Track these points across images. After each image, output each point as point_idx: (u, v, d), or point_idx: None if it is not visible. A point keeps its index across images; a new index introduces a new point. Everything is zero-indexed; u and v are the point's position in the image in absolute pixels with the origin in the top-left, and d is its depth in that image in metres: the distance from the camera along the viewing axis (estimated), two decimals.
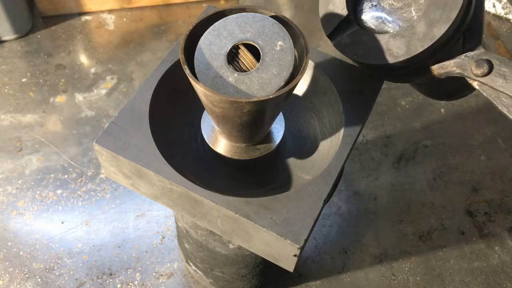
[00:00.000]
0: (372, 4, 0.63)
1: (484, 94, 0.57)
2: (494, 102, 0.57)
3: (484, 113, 1.28)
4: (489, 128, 1.26)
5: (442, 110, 1.29)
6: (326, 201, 0.59)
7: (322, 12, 0.65)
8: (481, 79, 0.57)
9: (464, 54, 0.58)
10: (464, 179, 1.16)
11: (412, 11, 0.59)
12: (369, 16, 0.63)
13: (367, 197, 1.12)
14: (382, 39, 0.60)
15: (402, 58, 0.59)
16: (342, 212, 1.09)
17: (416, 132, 1.24)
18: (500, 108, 0.56)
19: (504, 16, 1.48)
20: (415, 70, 0.63)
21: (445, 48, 0.59)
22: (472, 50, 0.58)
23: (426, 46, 0.57)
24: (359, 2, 0.64)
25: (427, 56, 0.59)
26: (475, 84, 0.58)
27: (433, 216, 1.10)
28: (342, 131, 0.65)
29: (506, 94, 0.55)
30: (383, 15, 0.62)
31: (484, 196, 1.14)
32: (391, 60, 0.60)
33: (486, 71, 0.57)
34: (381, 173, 1.16)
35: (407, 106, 1.29)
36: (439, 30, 0.56)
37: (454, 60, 0.59)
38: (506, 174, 1.18)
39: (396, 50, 0.59)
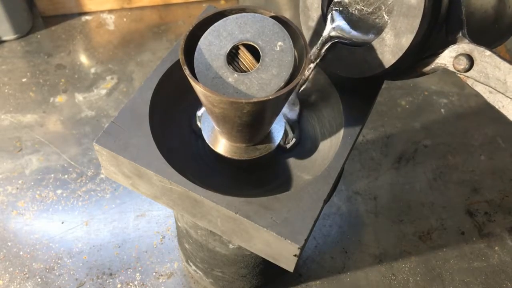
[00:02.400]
0: (340, 11, 0.61)
1: (472, 87, 0.56)
2: (483, 95, 0.55)
3: (484, 113, 1.28)
4: (489, 128, 1.26)
5: (442, 110, 1.29)
6: (326, 201, 0.59)
7: (304, 30, 0.65)
8: (465, 74, 0.56)
9: (447, 49, 0.57)
10: (464, 179, 1.16)
11: (384, 15, 0.58)
12: (339, 25, 0.61)
13: (367, 197, 1.12)
14: (359, 53, 0.60)
15: (378, 70, 0.59)
16: (342, 212, 1.09)
17: (416, 132, 1.24)
18: (488, 101, 0.55)
19: None
20: (401, 72, 0.62)
21: (426, 45, 0.58)
22: (454, 42, 0.56)
23: (397, 57, 0.56)
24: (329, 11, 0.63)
25: (405, 60, 0.58)
26: (462, 78, 0.57)
27: (433, 216, 1.10)
28: (342, 131, 0.65)
29: (491, 87, 0.54)
30: (353, 22, 0.60)
31: (484, 196, 1.14)
32: (369, 73, 0.60)
33: (467, 66, 0.55)
34: (381, 173, 1.16)
35: (407, 106, 1.29)
36: (407, 40, 0.55)
37: (437, 56, 0.57)
38: (506, 174, 1.18)
39: (372, 63, 0.59)
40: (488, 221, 1.10)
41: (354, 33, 0.60)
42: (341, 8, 0.61)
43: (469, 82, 0.56)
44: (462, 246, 1.06)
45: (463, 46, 0.55)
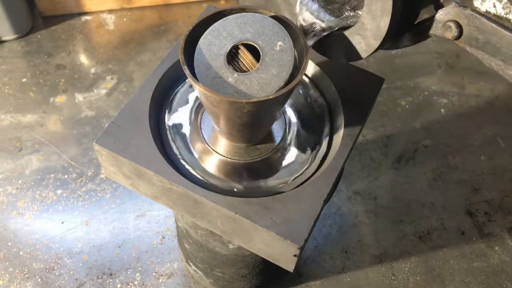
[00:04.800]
0: (303, 2, 0.59)
1: (471, 52, 0.52)
2: (482, 60, 0.51)
3: (484, 113, 1.28)
4: (489, 128, 1.26)
5: (442, 110, 1.29)
6: (326, 201, 0.59)
7: (289, 16, 0.63)
8: (457, 41, 0.51)
9: (434, 16, 0.52)
10: (464, 179, 1.16)
11: None
12: (309, 16, 0.59)
13: (367, 197, 1.12)
14: (343, 38, 0.58)
15: (365, 55, 0.57)
16: (342, 212, 1.09)
17: (416, 132, 1.24)
18: (486, 64, 0.51)
19: (505, 16, 1.48)
20: (393, 41, 0.59)
21: (412, 12, 0.55)
22: (441, 6, 0.51)
23: (380, 41, 0.54)
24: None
25: (393, 36, 0.55)
26: (458, 44, 0.52)
27: (433, 216, 1.10)
28: (342, 131, 0.65)
29: (485, 52, 0.50)
30: (321, 11, 0.58)
31: (484, 196, 1.14)
32: (357, 58, 0.58)
33: (456, 34, 0.51)
34: (381, 173, 1.16)
35: (407, 106, 1.29)
36: (385, 23, 0.52)
37: (427, 23, 0.54)
38: (506, 174, 1.18)
39: (358, 48, 0.57)
40: (488, 221, 1.10)
41: (328, 17, 0.59)
42: (305, 1, 0.59)
43: (467, 48, 0.51)
44: (462, 246, 1.06)
45: (449, 11, 0.51)
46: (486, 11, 0.56)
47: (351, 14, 0.58)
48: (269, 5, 1.53)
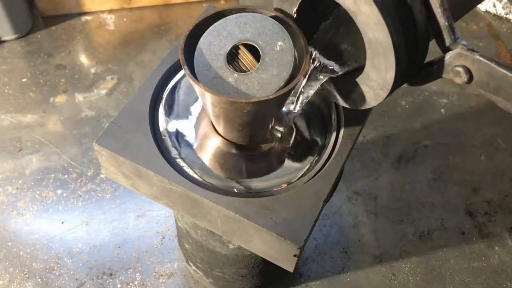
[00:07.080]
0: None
1: (482, 93, 0.50)
2: (498, 104, 0.49)
3: (484, 113, 1.28)
4: (489, 128, 1.26)
5: (442, 110, 1.29)
6: (326, 201, 0.59)
7: None
8: (467, 85, 0.49)
9: (443, 60, 0.50)
10: (464, 179, 1.16)
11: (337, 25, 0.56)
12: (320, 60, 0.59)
13: (367, 197, 1.12)
14: (351, 86, 0.57)
15: (375, 103, 0.56)
16: (342, 212, 1.09)
17: (416, 132, 1.24)
18: (502, 107, 0.49)
19: (505, 16, 1.48)
20: (405, 82, 0.58)
21: (418, 58, 0.53)
22: (449, 49, 0.49)
23: (387, 92, 0.53)
24: None
25: (402, 82, 0.54)
26: (470, 87, 0.50)
27: (433, 216, 1.10)
28: (342, 131, 0.65)
29: (498, 97, 0.48)
30: (320, 57, 0.58)
31: (484, 196, 1.14)
32: (366, 105, 0.57)
33: (466, 80, 0.48)
34: (381, 173, 1.16)
35: (407, 106, 1.29)
36: (390, 76, 0.50)
37: (436, 67, 0.51)
38: (506, 174, 1.18)
39: (366, 96, 0.56)
40: (488, 221, 1.10)
41: (328, 62, 0.58)
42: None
43: (480, 91, 0.49)
44: (462, 246, 1.06)
45: (456, 55, 0.48)
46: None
47: (350, 60, 0.57)
48: (269, 5, 1.53)
